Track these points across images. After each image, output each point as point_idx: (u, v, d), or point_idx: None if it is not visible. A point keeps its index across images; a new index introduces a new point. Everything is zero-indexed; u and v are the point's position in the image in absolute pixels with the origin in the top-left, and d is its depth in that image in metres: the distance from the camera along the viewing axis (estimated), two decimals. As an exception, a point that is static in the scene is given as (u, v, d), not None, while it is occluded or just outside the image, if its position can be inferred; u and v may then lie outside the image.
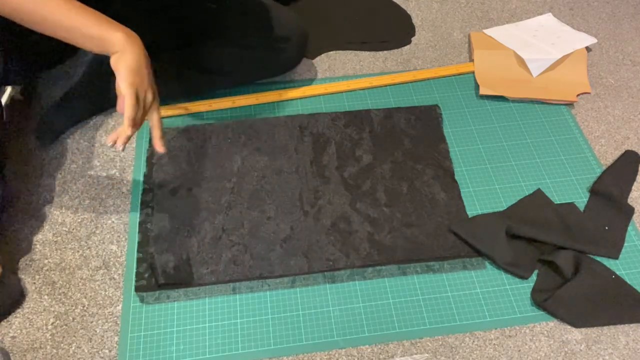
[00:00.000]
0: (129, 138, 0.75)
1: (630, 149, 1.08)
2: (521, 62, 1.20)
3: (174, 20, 1.04)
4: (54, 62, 1.05)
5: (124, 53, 0.74)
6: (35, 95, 1.11)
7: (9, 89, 1.08)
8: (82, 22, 0.73)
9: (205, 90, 1.12)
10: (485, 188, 1.01)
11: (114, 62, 0.76)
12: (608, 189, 0.99)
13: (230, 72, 1.10)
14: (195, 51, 1.07)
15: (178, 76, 1.08)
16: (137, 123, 0.77)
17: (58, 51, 1.03)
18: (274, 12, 1.12)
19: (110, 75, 1.08)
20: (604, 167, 1.04)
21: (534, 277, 0.90)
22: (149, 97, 0.77)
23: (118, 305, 0.87)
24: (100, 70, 1.07)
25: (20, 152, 1.04)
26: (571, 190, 1.01)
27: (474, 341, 0.84)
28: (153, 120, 0.80)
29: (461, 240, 0.93)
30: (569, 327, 0.85)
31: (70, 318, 0.86)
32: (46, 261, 0.91)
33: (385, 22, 1.33)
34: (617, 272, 0.90)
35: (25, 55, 0.96)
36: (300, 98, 1.14)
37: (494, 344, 0.84)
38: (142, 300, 0.87)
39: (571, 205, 0.98)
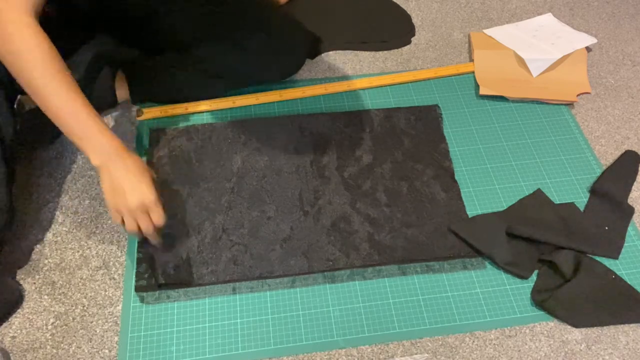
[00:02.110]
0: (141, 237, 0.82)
1: (630, 149, 1.08)
2: (521, 62, 1.20)
3: (175, 23, 1.04)
4: None
5: (102, 173, 0.77)
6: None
7: (18, 96, 1.09)
8: (72, 127, 0.75)
9: (206, 93, 1.12)
10: (485, 188, 1.01)
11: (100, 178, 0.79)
12: (608, 189, 0.99)
13: (232, 75, 1.10)
14: (196, 53, 1.07)
15: (179, 78, 1.08)
16: (133, 231, 0.80)
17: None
18: (277, 17, 1.12)
19: (109, 76, 1.09)
20: (604, 167, 1.04)
21: (534, 277, 0.90)
22: (134, 210, 0.77)
23: (118, 305, 0.87)
24: (99, 70, 1.07)
25: (21, 152, 1.04)
26: (571, 190, 1.01)
27: (474, 341, 0.84)
28: (142, 226, 0.79)
29: (461, 240, 0.93)
30: (569, 327, 0.85)
31: (70, 318, 0.86)
32: (46, 261, 0.91)
33: (385, 22, 1.33)
34: (617, 272, 0.90)
35: None
36: (300, 98, 1.14)
37: (494, 344, 0.84)
38: (142, 300, 0.87)
39: (571, 205, 0.98)
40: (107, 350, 0.82)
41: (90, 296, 0.88)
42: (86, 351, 0.82)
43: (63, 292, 0.88)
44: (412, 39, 1.30)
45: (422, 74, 1.20)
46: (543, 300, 0.86)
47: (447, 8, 1.38)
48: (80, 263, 0.91)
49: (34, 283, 0.89)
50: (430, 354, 0.83)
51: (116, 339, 0.84)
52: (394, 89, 1.17)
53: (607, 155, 1.07)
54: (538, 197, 0.99)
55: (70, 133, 0.76)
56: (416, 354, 0.82)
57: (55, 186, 1.00)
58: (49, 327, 0.85)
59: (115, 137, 0.79)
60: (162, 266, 0.88)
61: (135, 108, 1.12)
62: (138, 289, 0.87)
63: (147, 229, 0.79)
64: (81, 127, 0.76)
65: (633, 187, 1.02)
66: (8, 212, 0.86)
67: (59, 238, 0.94)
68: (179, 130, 1.07)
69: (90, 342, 0.83)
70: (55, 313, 0.86)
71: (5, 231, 0.86)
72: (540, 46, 1.22)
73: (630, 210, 0.97)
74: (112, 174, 0.77)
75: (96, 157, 0.77)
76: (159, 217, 0.79)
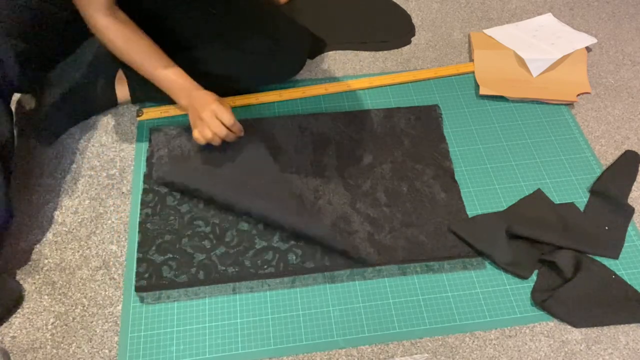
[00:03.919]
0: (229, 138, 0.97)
1: (630, 149, 1.08)
2: (521, 62, 1.20)
3: (177, 24, 1.04)
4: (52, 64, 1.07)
5: (189, 110, 0.97)
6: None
7: (18, 95, 1.09)
8: (162, 87, 0.97)
9: None
10: (485, 188, 1.01)
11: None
12: (608, 189, 0.99)
13: (232, 76, 1.10)
14: (196, 55, 1.07)
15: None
16: (212, 139, 0.96)
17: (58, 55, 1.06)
18: (277, 18, 1.12)
19: (109, 76, 1.09)
20: (604, 167, 1.04)
21: (534, 277, 0.90)
22: (207, 121, 0.94)
23: (118, 305, 0.87)
24: (100, 70, 1.07)
25: (21, 152, 1.04)
26: (571, 190, 1.01)
27: (474, 341, 0.84)
28: (214, 128, 0.95)
29: (461, 240, 0.93)
30: (569, 327, 0.86)
31: (70, 318, 0.86)
32: (46, 261, 0.91)
33: (385, 22, 1.33)
34: (617, 272, 0.90)
35: (38, 63, 1.00)
36: (300, 98, 1.14)
37: (494, 344, 0.84)
38: (142, 300, 0.87)
39: (571, 205, 0.98)
40: (107, 350, 0.82)
41: (90, 296, 0.88)
42: (86, 351, 0.82)
43: (63, 292, 0.88)
44: (412, 39, 1.30)
45: (422, 74, 1.20)
46: (543, 300, 0.86)
47: (447, 8, 1.38)
48: (80, 263, 0.91)
49: (34, 283, 0.89)
50: (430, 354, 0.83)
51: (116, 339, 0.84)
52: (394, 89, 1.17)
53: (607, 155, 1.07)
54: (538, 197, 0.99)
55: (163, 88, 0.98)
56: (416, 354, 0.82)
57: (55, 186, 1.00)
58: (49, 327, 0.85)
59: (190, 80, 0.97)
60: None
61: (135, 108, 1.12)
62: (138, 289, 0.87)
63: (219, 129, 0.94)
64: (167, 85, 0.97)
65: (633, 187, 1.02)
66: (6, 211, 0.86)
67: (59, 238, 0.94)
68: (179, 130, 1.07)
69: (90, 342, 0.83)
70: (55, 313, 0.86)
71: (4, 231, 0.86)
72: (540, 46, 1.22)
73: (630, 210, 0.97)
74: (193, 106, 0.95)
75: (182, 100, 0.97)
76: (228, 118, 0.94)
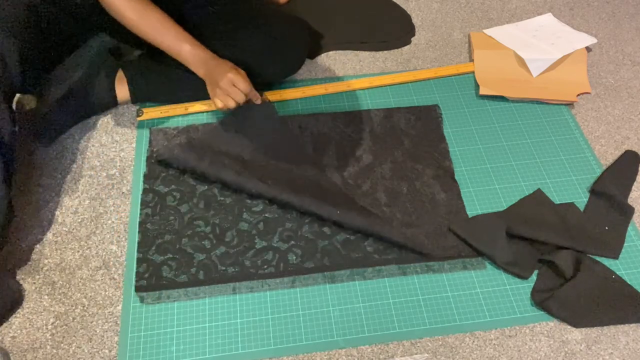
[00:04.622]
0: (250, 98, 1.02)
1: (630, 149, 1.08)
2: (521, 62, 1.20)
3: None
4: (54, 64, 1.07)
5: (206, 79, 0.99)
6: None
7: (17, 95, 1.09)
8: (179, 58, 0.98)
9: (206, 94, 1.12)
10: (485, 188, 1.01)
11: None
12: (608, 189, 0.99)
13: None
14: None
15: (179, 78, 1.08)
16: (231, 105, 0.99)
17: (59, 56, 1.06)
18: (277, 17, 1.12)
19: (110, 76, 1.09)
20: (604, 167, 1.04)
21: (534, 277, 0.90)
22: (225, 89, 0.97)
23: (118, 305, 0.87)
24: (100, 70, 1.07)
25: (21, 152, 1.04)
26: (571, 190, 1.01)
27: (474, 341, 0.84)
28: (234, 96, 0.98)
29: (461, 240, 0.93)
30: (569, 327, 0.86)
31: (70, 318, 0.86)
32: (46, 261, 0.91)
33: (385, 22, 1.33)
34: (617, 272, 0.90)
35: (39, 63, 1.00)
36: (300, 98, 1.14)
37: (494, 344, 0.84)
38: (142, 300, 0.87)
39: (571, 205, 0.98)
40: (107, 350, 0.82)
41: (90, 296, 0.88)
42: (86, 351, 0.82)
43: (63, 292, 0.88)
44: (412, 39, 1.30)
45: (422, 74, 1.20)
46: (543, 300, 0.86)
47: (447, 8, 1.38)
48: (80, 263, 0.91)
49: (34, 283, 0.89)
50: (430, 354, 0.83)
51: (116, 339, 0.84)
52: (394, 89, 1.17)
53: (607, 155, 1.07)
54: (538, 197, 0.99)
55: (179, 60, 0.98)
56: (416, 354, 0.82)
57: (55, 186, 1.00)
58: (49, 327, 0.85)
59: (205, 50, 0.99)
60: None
61: (135, 108, 1.12)
62: (138, 289, 0.87)
63: (238, 96, 0.97)
64: (183, 57, 0.98)
65: (633, 187, 1.02)
66: (6, 211, 0.86)
67: (59, 238, 0.94)
68: (179, 130, 1.07)
69: (90, 342, 0.83)
70: (55, 313, 0.86)
71: (4, 230, 0.86)
72: (540, 46, 1.22)
73: (630, 210, 0.97)
74: (211, 75, 0.98)
75: (199, 70, 0.99)
76: (245, 86, 0.97)
